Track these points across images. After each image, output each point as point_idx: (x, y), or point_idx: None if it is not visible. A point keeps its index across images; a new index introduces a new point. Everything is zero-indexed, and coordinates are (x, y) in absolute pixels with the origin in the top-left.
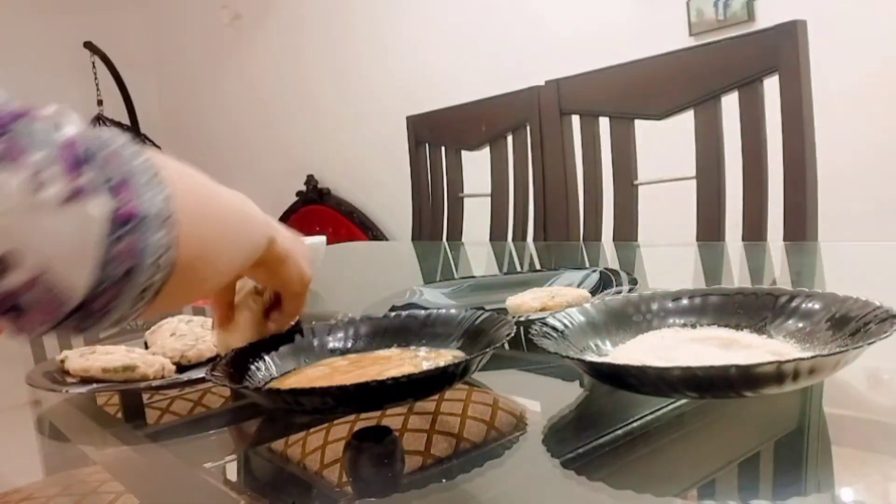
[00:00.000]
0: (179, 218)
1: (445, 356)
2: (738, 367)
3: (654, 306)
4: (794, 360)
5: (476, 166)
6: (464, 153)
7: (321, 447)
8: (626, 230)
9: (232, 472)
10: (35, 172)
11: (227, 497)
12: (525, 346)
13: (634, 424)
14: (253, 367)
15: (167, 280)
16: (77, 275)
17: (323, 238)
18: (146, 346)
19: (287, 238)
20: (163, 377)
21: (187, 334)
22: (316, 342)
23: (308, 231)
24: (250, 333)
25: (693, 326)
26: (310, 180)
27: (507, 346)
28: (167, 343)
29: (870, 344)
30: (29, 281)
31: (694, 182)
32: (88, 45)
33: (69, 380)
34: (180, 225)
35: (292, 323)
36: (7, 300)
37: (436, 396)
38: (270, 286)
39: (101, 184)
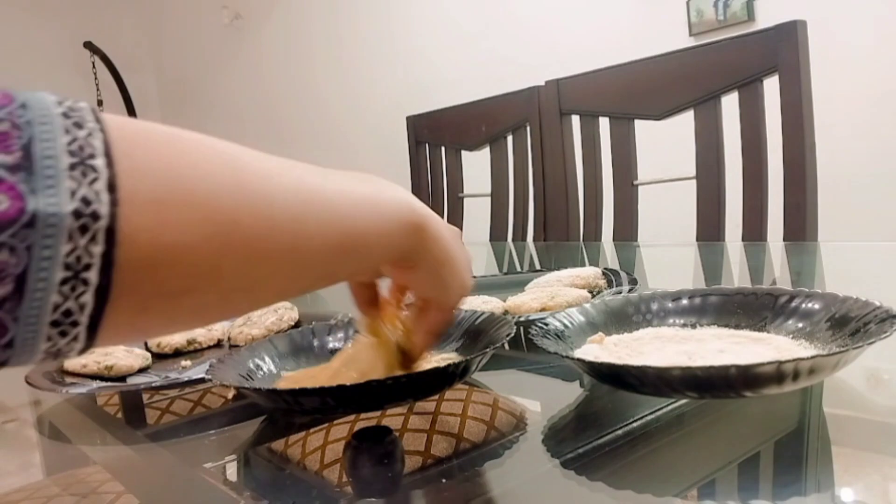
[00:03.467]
0: (134, 210)
1: (444, 356)
2: (738, 367)
3: (654, 306)
4: (794, 360)
5: (476, 166)
6: (464, 153)
7: (321, 447)
8: (626, 230)
9: (232, 472)
10: None
11: (227, 497)
12: (525, 346)
13: (634, 424)
14: (253, 367)
15: (106, 302)
16: None
17: None
18: (146, 346)
19: (443, 235)
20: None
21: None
22: (316, 342)
23: None
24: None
25: (693, 326)
26: None
27: (507, 346)
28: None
29: (870, 344)
30: None
31: (694, 182)
32: (88, 45)
33: (69, 380)
34: (134, 219)
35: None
36: None
37: (436, 396)
38: (415, 293)
39: None
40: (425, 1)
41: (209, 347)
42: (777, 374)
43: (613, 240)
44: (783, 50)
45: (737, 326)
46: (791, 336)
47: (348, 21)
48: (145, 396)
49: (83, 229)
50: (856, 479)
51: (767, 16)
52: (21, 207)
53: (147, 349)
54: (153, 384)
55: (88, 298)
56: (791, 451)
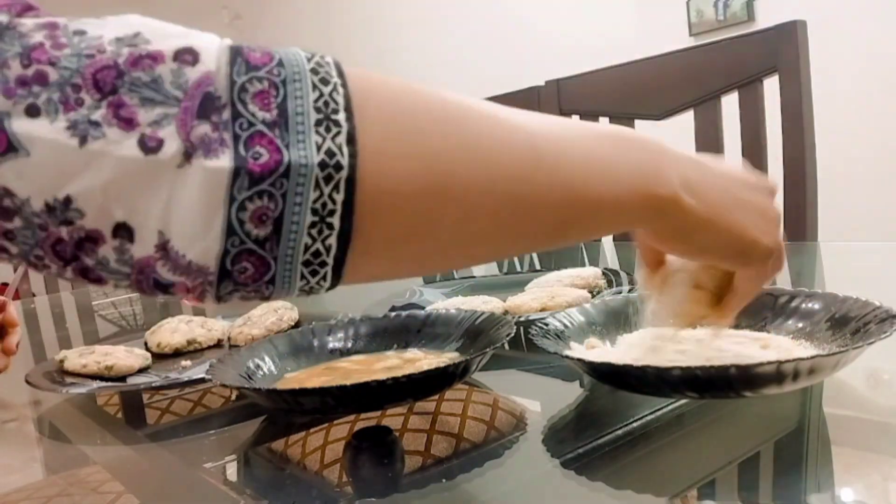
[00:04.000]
0: (366, 160)
1: (444, 356)
2: (738, 366)
3: None
4: (794, 360)
5: None
6: None
7: (321, 447)
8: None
9: (232, 472)
10: (146, 133)
11: (227, 497)
12: (525, 346)
13: (634, 424)
14: (253, 367)
15: (348, 245)
16: (200, 242)
17: None
18: (146, 346)
19: (712, 188)
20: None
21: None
22: (316, 342)
23: None
24: (680, 311)
25: (692, 326)
26: None
27: (507, 346)
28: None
29: (870, 344)
30: (156, 250)
31: None
32: None
33: (69, 380)
34: (366, 169)
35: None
36: (145, 272)
37: (436, 396)
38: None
39: (226, 140)
40: (425, 1)
41: (209, 347)
42: (777, 374)
43: (613, 240)
44: (783, 50)
45: (737, 326)
46: (791, 336)
47: (347, 21)
48: (145, 396)
49: (328, 179)
50: (856, 479)
51: (767, 16)
52: (278, 159)
53: (147, 349)
54: (153, 384)
55: (333, 241)
56: (791, 451)
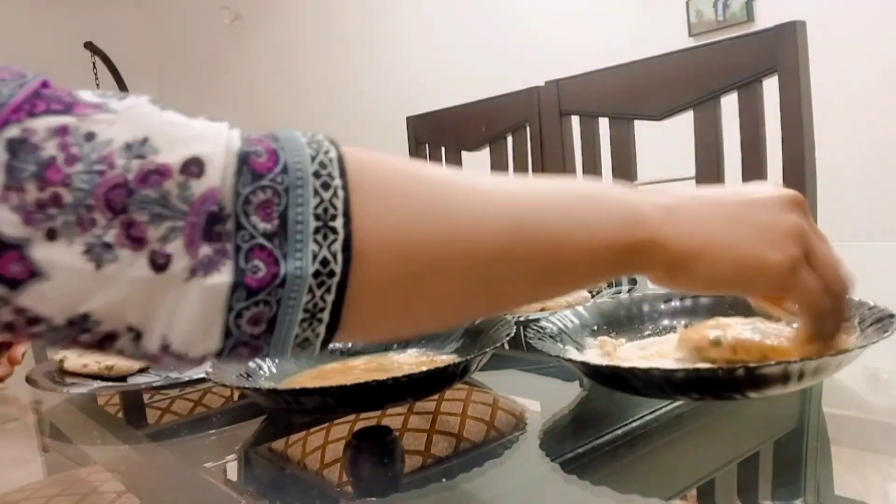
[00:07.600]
0: (359, 263)
1: (444, 357)
2: (745, 367)
3: (646, 308)
4: (801, 360)
5: (476, 166)
6: (464, 153)
7: (321, 447)
8: None
9: (232, 472)
10: (155, 250)
11: (227, 497)
12: (525, 346)
13: (634, 424)
14: (253, 367)
15: (335, 331)
16: (199, 344)
17: None
18: None
19: (699, 216)
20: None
21: None
22: None
23: None
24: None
25: (686, 328)
26: None
27: (506, 346)
28: None
29: (872, 343)
30: (160, 350)
31: (694, 182)
32: (88, 45)
33: (70, 380)
34: (358, 270)
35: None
36: (154, 360)
37: (436, 396)
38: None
39: (228, 252)
40: (426, 1)
41: None
42: (783, 375)
43: None
44: (783, 50)
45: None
46: None
47: (348, 22)
48: (146, 396)
49: (321, 284)
50: (856, 479)
51: (767, 16)
52: (275, 272)
53: None
54: (154, 384)
55: (321, 330)
56: (791, 451)
